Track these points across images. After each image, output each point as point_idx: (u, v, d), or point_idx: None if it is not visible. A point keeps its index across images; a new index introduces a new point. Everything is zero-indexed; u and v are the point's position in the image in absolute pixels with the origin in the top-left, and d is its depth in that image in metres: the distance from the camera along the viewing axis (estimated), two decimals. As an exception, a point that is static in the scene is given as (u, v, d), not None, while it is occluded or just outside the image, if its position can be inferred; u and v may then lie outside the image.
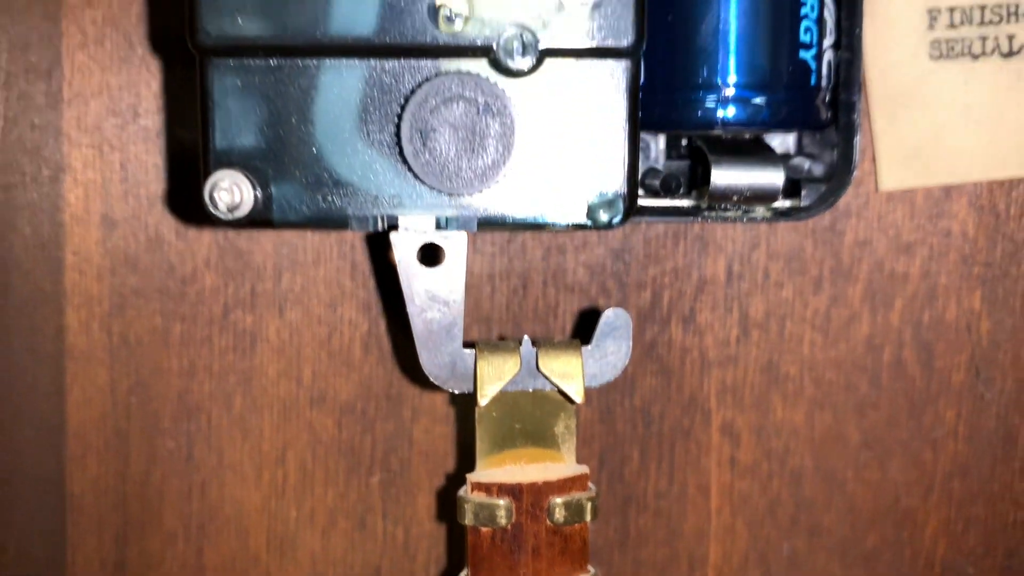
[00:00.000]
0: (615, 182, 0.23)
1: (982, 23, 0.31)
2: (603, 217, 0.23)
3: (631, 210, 0.23)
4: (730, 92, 0.25)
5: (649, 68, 0.26)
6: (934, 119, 0.31)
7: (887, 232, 0.32)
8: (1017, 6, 0.31)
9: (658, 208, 0.27)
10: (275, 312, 0.32)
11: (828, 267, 0.32)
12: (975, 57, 0.31)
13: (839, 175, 0.27)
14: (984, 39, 0.31)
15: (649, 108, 0.26)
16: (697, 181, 0.27)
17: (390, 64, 0.22)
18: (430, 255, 0.25)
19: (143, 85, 0.31)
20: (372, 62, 0.22)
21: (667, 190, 0.27)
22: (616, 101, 0.22)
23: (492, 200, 0.23)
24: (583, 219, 0.23)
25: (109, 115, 0.31)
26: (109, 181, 0.31)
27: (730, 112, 0.25)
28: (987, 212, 0.32)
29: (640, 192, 0.27)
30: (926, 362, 0.33)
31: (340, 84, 0.22)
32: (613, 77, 0.22)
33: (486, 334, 0.32)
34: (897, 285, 0.32)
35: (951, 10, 0.31)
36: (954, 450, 0.33)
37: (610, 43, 0.22)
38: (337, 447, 0.33)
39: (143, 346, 0.32)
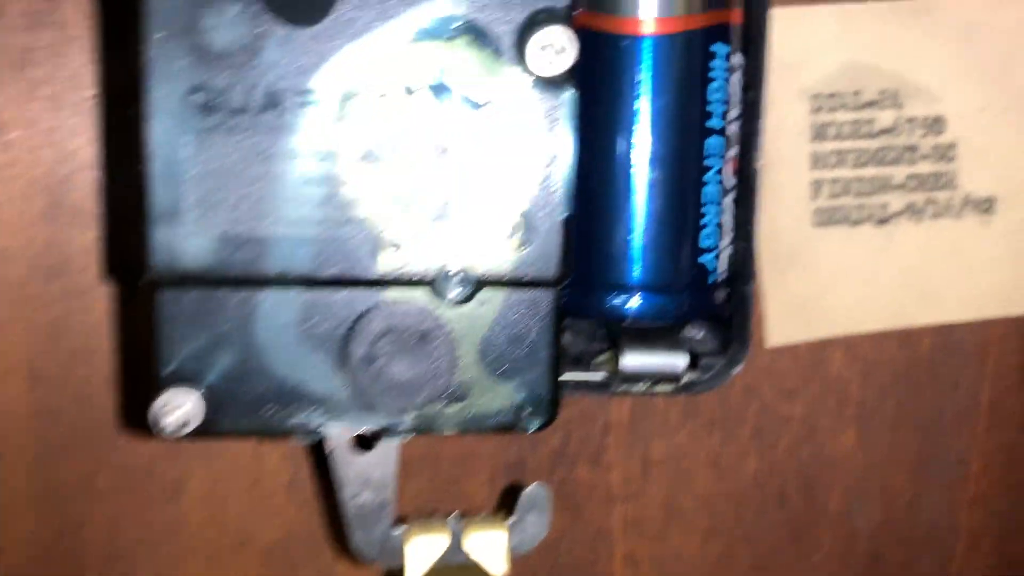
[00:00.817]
0: (540, 393, 0.25)
1: (859, 194, 0.35)
2: (527, 424, 0.25)
3: (553, 417, 0.25)
4: (636, 293, 0.28)
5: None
6: (816, 279, 0.35)
7: (773, 380, 0.35)
8: (890, 178, 0.35)
9: (570, 382, 0.29)
10: (201, 461, 0.33)
11: (720, 412, 0.35)
12: (853, 224, 0.35)
13: (734, 354, 0.30)
14: (861, 207, 0.35)
15: (571, 299, 0.28)
16: (609, 359, 0.29)
17: (334, 293, 0.24)
18: (363, 439, 0.26)
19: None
20: (316, 291, 0.24)
21: (580, 364, 0.30)
22: (543, 325, 0.24)
23: (432, 412, 0.25)
24: (511, 424, 0.25)
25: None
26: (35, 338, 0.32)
27: (636, 310, 0.28)
28: (860, 360, 0.36)
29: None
30: (806, 494, 0.36)
31: (285, 310, 0.24)
32: (540, 303, 0.24)
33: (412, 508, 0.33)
34: (781, 426, 0.36)
35: (833, 182, 0.34)
36: (829, 570, 0.37)
37: (538, 276, 0.24)
38: (262, 589, 0.34)
39: (69, 495, 0.33)
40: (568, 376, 0.30)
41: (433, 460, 0.34)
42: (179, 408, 0.23)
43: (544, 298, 0.24)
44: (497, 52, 0.23)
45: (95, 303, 0.31)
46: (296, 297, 0.24)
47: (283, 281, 0.23)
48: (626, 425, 0.35)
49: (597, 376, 0.30)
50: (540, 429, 0.25)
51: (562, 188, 0.23)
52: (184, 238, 0.23)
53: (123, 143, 0.30)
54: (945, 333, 0.36)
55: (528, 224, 0.24)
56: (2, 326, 0.31)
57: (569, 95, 0.23)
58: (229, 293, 0.23)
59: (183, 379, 0.23)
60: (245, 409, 0.24)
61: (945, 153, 0.35)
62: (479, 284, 0.24)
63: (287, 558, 0.34)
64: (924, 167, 0.35)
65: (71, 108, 0.31)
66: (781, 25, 0.33)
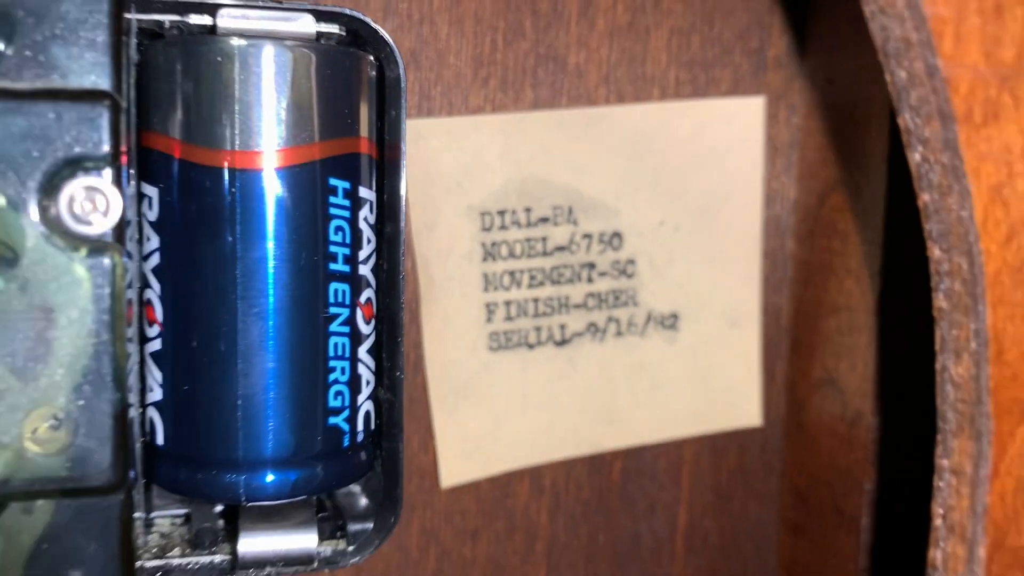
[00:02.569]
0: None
1: (536, 315, 0.32)
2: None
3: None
4: (256, 469, 0.23)
5: (173, 439, 0.24)
6: (493, 408, 0.32)
7: (453, 521, 0.32)
8: (568, 298, 0.32)
9: (188, 568, 0.25)
10: None
11: (395, 562, 0.32)
12: (531, 347, 0.32)
13: (383, 516, 0.26)
14: (539, 329, 0.32)
15: (175, 477, 0.24)
16: (231, 539, 0.25)
17: None
18: None
19: None
20: None
21: (200, 545, 0.25)
22: (108, 542, 0.20)
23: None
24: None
25: None
26: None
27: (258, 490, 0.23)
28: (547, 492, 0.33)
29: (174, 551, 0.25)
30: (497, 641, 0.33)
31: None
32: (100, 513, 0.20)
33: None
34: (466, 570, 0.32)
35: (507, 303, 0.32)
36: None
37: (87, 481, 0.19)
38: None
39: None
40: (186, 560, 0.25)
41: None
42: None
43: (104, 505, 0.20)
44: (20, 208, 0.18)
45: None
46: None
47: None
48: (287, 586, 0.30)
49: (220, 560, 0.25)
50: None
51: (109, 374, 0.19)
52: None
53: None
54: (636, 456, 0.34)
55: (70, 419, 0.19)
56: None
57: (111, 261, 0.19)
58: None
59: None
60: None
61: (625, 269, 0.33)
62: (8, 496, 0.19)
63: None
64: (603, 284, 0.33)
65: None
66: (443, 136, 0.30)
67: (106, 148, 0.19)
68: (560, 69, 0.32)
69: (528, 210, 0.32)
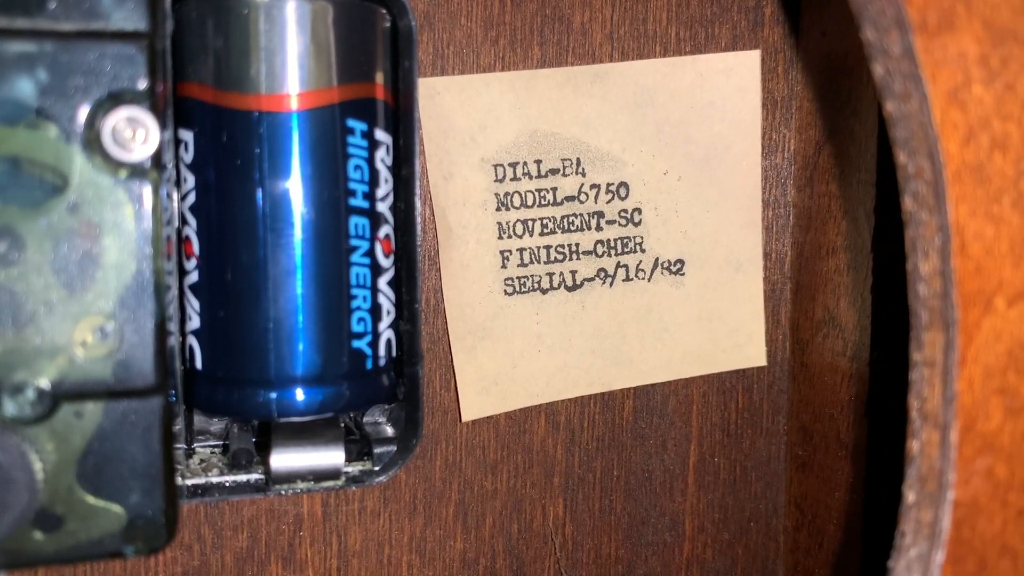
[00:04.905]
0: (150, 513, 0.22)
1: (548, 261, 0.34)
2: (139, 546, 0.22)
3: (172, 533, 0.23)
4: (286, 386, 0.25)
5: (210, 360, 0.26)
6: (509, 349, 0.34)
7: (474, 454, 0.34)
8: (578, 245, 0.34)
9: (227, 486, 0.27)
10: None
11: (421, 491, 0.34)
12: (544, 291, 0.34)
13: (406, 438, 0.28)
14: (551, 275, 0.34)
15: (214, 396, 0.26)
16: (265, 458, 0.27)
17: None
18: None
19: None
20: None
21: (237, 465, 0.27)
22: (150, 437, 0.22)
23: (19, 544, 0.22)
24: (120, 550, 0.22)
25: None
26: None
27: (289, 407, 0.26)
28: (562, 428, 0.35)
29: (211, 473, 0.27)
30: (517, 569, 0.35)
31: None
32: (144, 414, 0.22)
33: None
34: (486, 502, 0.34)
35: (521, 251, 0.34)
36: (547, 649, 0.35)
37: (132, 385, 0.21)
38: None
39: None
40: (224, 479, 0.27)
41: (97, 572, 0.31)
42: None
43: (147, 408, 0.22)
44: (71, 137, 0.21)
45: None
46: None
47: None
48: (319, 517, 0.33)
49: (255, 478, 0.27)
50: (154, 551, 0.22)
51: (150, 288, 0.21)
52: None
53: None
54: (647, 395, 0.36)
55: (117, 329, 0.21)
56: None
57: (151, 185, 0.21)
58: None
59: None
60: None
61: (631, 217, 0.35)
62: (62, 397, 0.21)
63: None
64: (611, 232, 0.35)
65: None
66: (456, 92, 0.32)
67: (144, 83, 0.21)
68: (566, 28, 0.33)
69: (538, 162, 0.33)
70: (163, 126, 0.21)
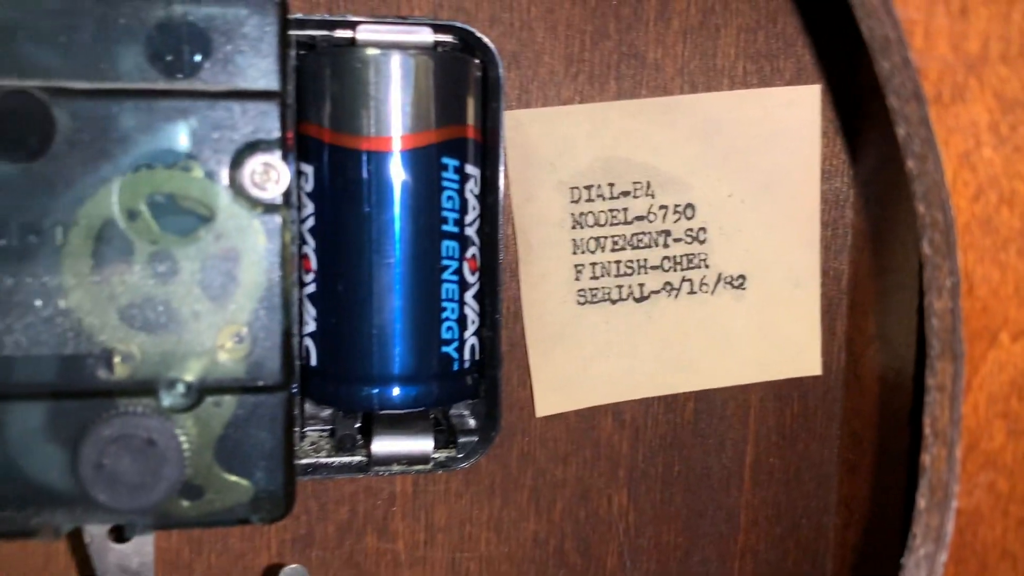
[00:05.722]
0: (273, 488, 0.27)
1: (618, 275, 0.38)
2: (264, 515, 0.27)
3: (290, 506, 0.27)
4: (386, 384, 0.30)
5: (324, 361, 0.30)
6: (581, 353, 0.38)
7: (546, 446, 0.38)
8: (646, 260, 0.38)
9: (334, 466, 0.32)
10: (-12, 548, 0.34)
11: (499, 477, 0.38)
12: (614, 302, 0.38)
13: (486, 430, 0.32)
14: (620, 287, 0.38)
15: (326, 391, 0.31)
16: (366, 443, 0.32)
17: (72, 402, 0.25)
18: (120, 531, 0.28)
19: None
20: (57, 401, 0.25)
21: (342, 449, 0.32)
22: (275, 426, 0.26)
23: (168, 509, 0.26)
24: (248, 517, 0.27)
25: None
26: None
27: (387, 401, 0.30)
28: (628, 425, 0.39)
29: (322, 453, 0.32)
30: (583, 551, 0.39)
31: (28, 417, 0.25)
32: (270, 406, 0.26)
33: None
34: (557, 489, 0.38)
35: (593, 265, 0.37)
36: (609, 623, 0.39)
37: (263, 382, 0.26)
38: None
39: None
40: (331, 460, 0.32)
41: (223, 536, 0.36)
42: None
43: (273, 401, 0.26)
44: (216, 178, 0.25)
45: None
46: (37, 407, 0.25)
47: (23, 394, 0.25)
48: (410, 495, 0.37)
49: (356, 460, 0.32)
50: (276, 519, 0.27)
51: (279, 301, 0.26)
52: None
53: None
54: (708, 398, 0.39)
55: (251, 335, 0.26)
56: None
57: (282, 217, 0.25)
58: (-26, 407, 0.25)
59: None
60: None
61: (697, 236, 0.38)
62: (205, 391, 0.26)
63: (80, 638, 0.35)
64: (678, 249, 0.38)
65: None
66: (538, 123, 0.36)
67: (277, 133, 0.25)
68: (640, 64, 0.37)
69: (611, 185, 0.37)
70: (290, 162, 0.26)
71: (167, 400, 0.26)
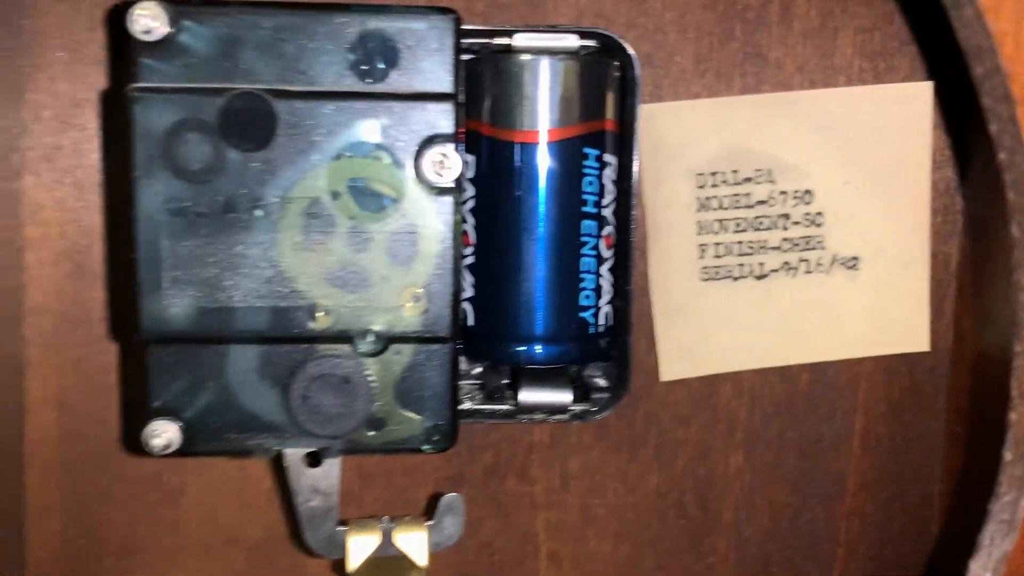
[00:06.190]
0: (442, 423, 0.32)
1: (740, 255, 0.41)
2: (434, 446, 0.32)
3: (454, 440, 0.33)
4: (532, 343, 0.35)
5: (479, 322, 0.36)
6: (703, 325, 0.42)
7: (669, 409, 0.42)
8: (766, 241, 0.41)
9: (486, 412, 0.37)
10: (197, 474, 0.41)
11: (626, 434, 0.42)
12: (735, 279, 0.42)
13: (617, 389, 0.37)
14: (741, 266, 0.42)
15: (480, 348, 0.36)
16: (514, 394, 0.37)
17: (281, 347, 0.31)
18: (313, 456, 0.34)
19: (91, 302, 0.39)
20: (268, 346, 0.31)
21: (492, 397, 0.37)
22: (443, 371, 0.32)
23: (357, 437, 0.32)
24: (420, 447, 0.32)
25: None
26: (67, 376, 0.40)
27: (532, 357, 0.35)
28: (745, 393, 0.43)
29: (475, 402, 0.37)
30: (701, 505, 0.43)
31: (245, 360, 0.31)
32: (440, 355, 0.32)
33: (366, 511, 0.41)
34: (678, 448, 0.43)
35: (716, 245, 0.41)
36: (724, 572, 0.43)
37: (435, 334, 0.31)
38: (246, 578, 0.42)
39: (89, 501, 0.40)
40: (484, 407, 0.37)
41: (387, 472, 0.42)
42: (163, 434, 0.31)
43: (443, 351, 0.32)
44: (401, 166, 0.31)
45: (110, 347, 0.39)
46: (253, 350, 0.31)
47: (243, 339, 0.31)
48: (547, 445, 0.42)
49: (506, 408, 0.37)
50: (443, 450, 0.33)
51: (450, 268, 0.31)
52: (165, 308, 0.30)
53: (121, 236, 0.38)
54: (820, 370, 0.43)
55: (427, 295, 0.31)
56: (37, 366, 0.40)
57: (453, 199, 0.31)
58: (201, 348, 0.31)
59: (166, 412, 0.31)
60: (214, 435, 0.32)
61: (814, 220, 0.42)
62: (390, 340, 0.31)
63: (267, 553, 0.42)
64: (796, 232, 0.42)
65: (91, 191, 0.39)
66: (669, 116, 0.40)
67: (451, 129, 0.30)
68: (763, 63, 0.41)
69: (735, 172, 0.41)
70: (461, 153, 0.31)
71: (360, 347, 0.31)
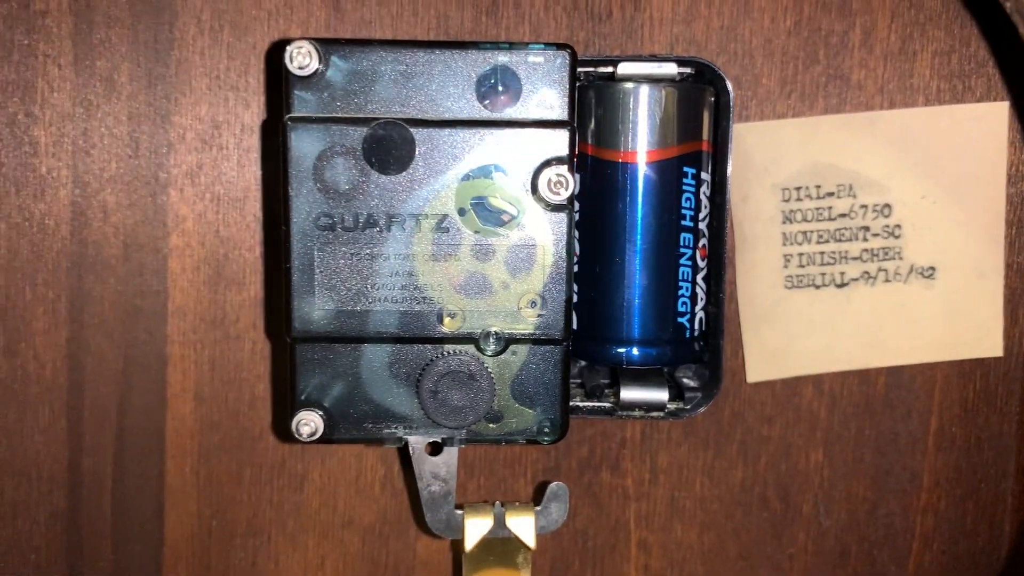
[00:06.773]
0: (554, 417, 0.36)
1: (822, 264, 0.44)
2: (546, 437, 0.36)
3: (565, 432, 0.36)
4: (632, 345, 0.38)
5: (581, 325, 0.39)
6: (787, 330, 0.45)
7: (754, 408, 0.45)
8: (847, 252, 0.44)
9: (586, 408, 0.40)
10: (319, 461, 0.45)
11: (713, 431, 0.45)
12: (817, 288, 0.44)
13: (708, 388, 0.40)
14: (823, 275, 0.44)
15: (582, 349, 0.39)
16: (614, 392, 0.40)
17: (412, 347, 0.35)
18: (435, 446, 0.37)
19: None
20: (401, 346, 0.35)
21: (593, 395, 0.40)
22: (556, 370, 0.35)
23: (478, 428, 0.36)
24: (534, 438, 0.36)
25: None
26: (203, 370, 0.44)
27: (632, 359, 0.38)
28: (826, 394, 0.45)
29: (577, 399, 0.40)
30: (783, 498, 0.46)
31: (380, 358, 0.35)
32: (553, 355, 0.35)
33: (471, 497, 0.44)
34: (762, 445, 0.45)
35: (800, 255, 0.44)
36: (804, 562, 0.46)
37: (549, 336, 0.35)
38: (361, 558, 0.45)
39: (222, 484, 0.45)
40: (584, 404, 0.40)
41: (490, 464, 0.45)
42: (309, 423, 0.35)
43: (556, 351, 0.35)
44: (521, 185, 0.34)
45: (244, 345, 0.44)
46: (387, 349, 0.35)
47: (378, 339, 0.35)
48: (638, 441, 0.45)
49: (606, 405, 0.40)
50: (555, 442, 0.36)
51: (564, 277, 0.34)
52: (313, 311, 0.34)
53: (275, 249, 0.42)
54: (897, 373, 0.45)
55: (542, 301, 0.35)
56: (177, 362, 0.44)
57: (567, 215, 0.34)
58: (342, 347, 0.35)
59: (311, 403, 0.35)
60: (353, 424, 0.36)
61: (893, 232, 0.44)
62: (509, 341, 0.35)
63: (381, 535, 0.45)
64: (875, 243, 0.44)
65: (227, 205, 0.43)
66: (757, 136, 0.43)
67: (566, 152, 0.34)
68: (845, 84, 0.43)
69: (818, 187, 0.44)
70: (575, 173, 0.34)
71: (483, 347, 0.35)
